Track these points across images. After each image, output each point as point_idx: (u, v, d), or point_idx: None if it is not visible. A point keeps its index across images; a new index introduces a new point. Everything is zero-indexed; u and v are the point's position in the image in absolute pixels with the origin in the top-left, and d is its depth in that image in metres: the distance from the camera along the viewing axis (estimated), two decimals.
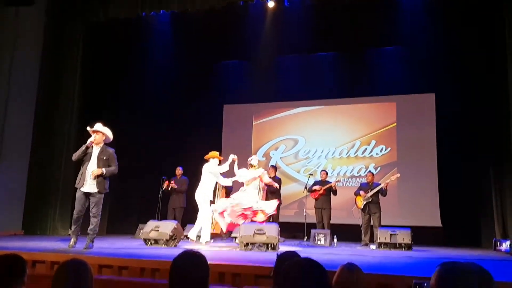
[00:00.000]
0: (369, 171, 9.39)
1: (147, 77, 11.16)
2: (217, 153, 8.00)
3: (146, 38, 11.07)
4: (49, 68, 9.94)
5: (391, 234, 7.42)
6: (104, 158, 6.02)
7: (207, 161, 7.88)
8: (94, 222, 5.96)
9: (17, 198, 9.40)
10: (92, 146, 6.08)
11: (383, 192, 8.43)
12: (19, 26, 9.57)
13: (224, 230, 7.83)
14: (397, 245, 7.34)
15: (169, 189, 9.51)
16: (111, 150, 6.15)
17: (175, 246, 6.84)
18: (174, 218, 9.09)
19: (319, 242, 8.03)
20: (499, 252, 7.27)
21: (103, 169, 5.94)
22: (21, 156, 9.53)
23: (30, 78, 9.73)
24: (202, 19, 10.22)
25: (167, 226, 6.95)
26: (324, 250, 6.86)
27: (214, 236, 8.87)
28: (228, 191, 9.19)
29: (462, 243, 8.89)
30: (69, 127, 9.93)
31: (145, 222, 7.43)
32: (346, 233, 9.05)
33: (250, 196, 7.44)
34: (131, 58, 10.94)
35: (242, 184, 7.82)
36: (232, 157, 7.84)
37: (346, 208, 9.74)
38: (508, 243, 7.16)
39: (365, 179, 9.26)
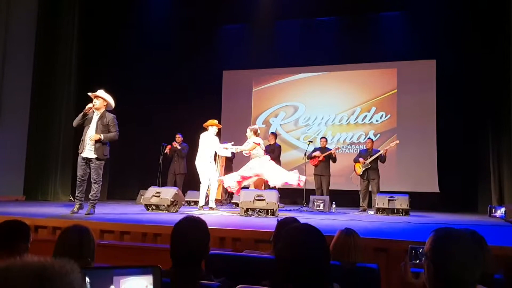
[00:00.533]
0: (369, 138, 9.41)
1: (144, 42, 11.01)
2: (216, 121, 7.79)
3: (144, 2, 10.88)
4: (46, 29, 9.81)
5: (389, 200, 7.51)
6: (104, 123, 5.92)
7: (205, 129, 7.80)
8: (94, 188, 5.95)
9: (17, 163, 9.44)
10: (93, 111, 5.99)
11: (382, 158, 8.48)
12: None
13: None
14: (395, 210, 7.44)
15: (174, 150, 9.48)
16: (112, 116, 6.02)
17: (176, 211, 6.92)
18: (175, 184, 9.15)
19: (318, 208, 8.13)
20: (494, 218, 7.37)
21: (101, 135, 5.87)
22: (20, 121, 9.52)
23: (26, 41, 9.61)
24: None
25: (168, 192, 7.02)
26: (323, 216, 6.95)
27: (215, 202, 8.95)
28: (229, 160, 9.22)
29: (459, 209, 9.01)
30: (67, 90, 9.90)
31: (146, 188, 7.49)
32: (344, 199, 9.17)
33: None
34: (128, 23, 10.78)
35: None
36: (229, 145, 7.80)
37: (345, 174, 9.81)
38: (503, 209, 7.27)
39: (364, 145, 9.30)
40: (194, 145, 9.93)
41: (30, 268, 0.84)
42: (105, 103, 6.03)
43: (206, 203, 7.61)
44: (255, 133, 7.56)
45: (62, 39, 9.93)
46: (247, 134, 7.64)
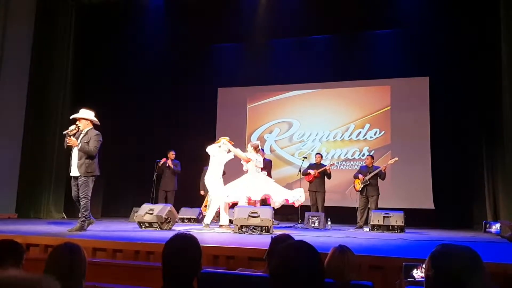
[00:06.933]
0: (369, 155, 9.38)
1: (140, 60, 11.01)
2: (227, 138, 7.85)
3: (139, 20, 10.93)
4: (41, 47, 9.86)
5: (384, 217, 7.48)
6: (85, 141, 6.05)
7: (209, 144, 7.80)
8: (81, 205, 6.03)
9: (10, 181, 9.36)
10: (81, 132, 6.12)
11: (382, 175, 8.47)
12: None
13: None
14: (390, 227, 7.41)
15: (167, 165, 9.45)
16: (95, 133, 6.12)
17: (170, 229, 6.86)
18: (166, 201, 9.11)
19: (313, 225, 8.08)
20: (489, 234, 7.35)
21: (79, 144, 5.96)
22: (13, 138, 9.47)
23: (22, 57, 9.64)
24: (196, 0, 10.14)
25: (162, 209, 6.96)
26: (318, 233, 6.90)
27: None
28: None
29: (454, 225, 9.00)
30: (61, 108, 9.87)
31: (140, 205, 7.44)
32: (340, 216, 9.13)
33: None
34: (124, 40, 10.82)
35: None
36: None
37: (340, 190, 9.79)
38: (497, 225, 7.25)
39: (364, 162, 9.30)
40: (189, 161, 9.94)
41: None
42: (88, 122, 6.19)
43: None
44: (255, 149, 7.58)
45: (57, 56, 9.95)
46: (247, 149, 7.68)
